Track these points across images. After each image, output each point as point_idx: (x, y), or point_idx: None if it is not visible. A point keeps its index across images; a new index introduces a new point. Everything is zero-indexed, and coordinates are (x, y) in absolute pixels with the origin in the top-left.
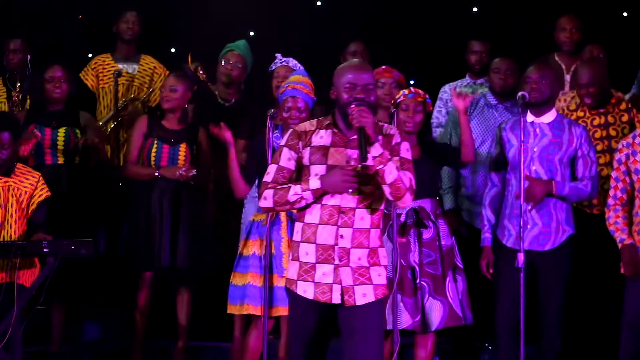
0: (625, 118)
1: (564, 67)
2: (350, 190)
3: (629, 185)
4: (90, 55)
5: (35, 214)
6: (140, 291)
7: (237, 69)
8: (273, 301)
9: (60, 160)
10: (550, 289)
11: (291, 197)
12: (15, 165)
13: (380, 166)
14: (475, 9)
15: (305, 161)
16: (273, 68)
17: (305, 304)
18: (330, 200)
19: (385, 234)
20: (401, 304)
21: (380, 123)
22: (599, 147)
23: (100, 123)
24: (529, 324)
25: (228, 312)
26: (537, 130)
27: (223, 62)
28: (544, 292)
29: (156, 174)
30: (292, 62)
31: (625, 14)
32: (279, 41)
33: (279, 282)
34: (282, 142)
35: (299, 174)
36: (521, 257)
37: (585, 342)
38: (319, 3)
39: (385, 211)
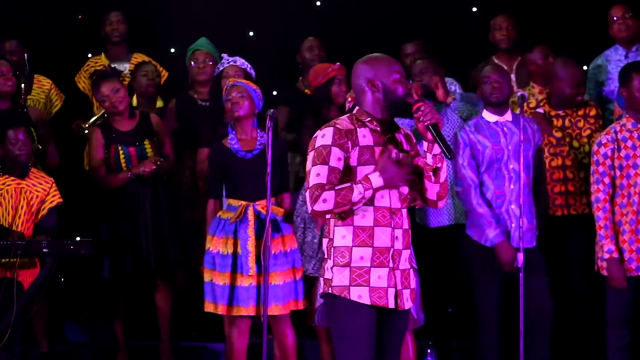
0: (581, 124)
1: (505, 67)
2: (405, 182)
3: (613, 180)
4: (90, 55)
5: (44, 220)
6: (121, 295)
7: (208, 66)
8: (234, 300)
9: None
10: (538, 283)
11: (355, 197)
12: (29, 169)
13: (440, 164)
14: (475, 9)
15: (353, 162)
16: (221, 69)
17: (362, 310)
18: (382, 202)
19: None
20: None
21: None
22: (552, 150)
23: (88, 124)
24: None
25: (205, 310)
26: (505, 129)
27: (192, 64)
28: (532, 287)
29: (129, 175)
30: (240, 61)
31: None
32: (278, 41)
33: (242, 282)
34: (328, 141)
35: (347, 176)
36: (520, 256)
37: (571, 342)
38: (319, 3)
39: None
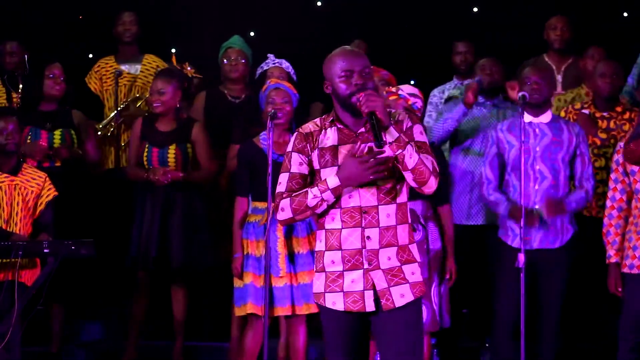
0: (626, 127)
1: (554, 67)
2: (372, 177)
3: (628, 186)
4: (90, 56)
5: (43, 215)
6: (135, 292)
7: (240, 64)
8: (271, 302)
9: (58, 163)
10: (554, 287)
11: (311, 201)
12: (22, 164)
13: (399, 151)
14: (475, 9)
15: (315, 165)
16: (265, 68)
17: (337, 317)
18: (350, 202)
19: None
20: None
21: (389, 109)
22: (595, 151)
23: (102, 125)
24: (529, 325)
25: (236, 314)
26: (537, 130)
27: (225, 61)
28: (547, 291)
29: (145, 176)
30: (285, 63)
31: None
32: (278, 41)
33: (276, 283)
34: (289, 147)
35: (312, 179)
36: (521, 257)
37: (583, 343)
38: (319, 3)
39: None
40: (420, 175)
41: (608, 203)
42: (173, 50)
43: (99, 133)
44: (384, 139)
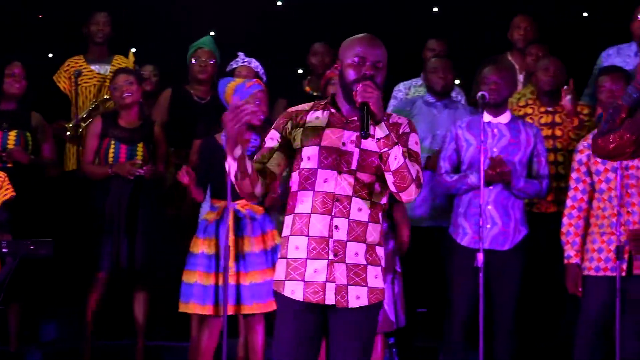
0: (575, 122)
1: (517, 66)
2: (236, 126)
3: (589, 186)
4: (50, 55)
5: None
6: (93, 292)
7: (210, 65)
8: (220, 300)
9: (10, 164)
10: (506, 288)
11: (227, 166)
12: None
13: (385, 149)
14: (435, 9)
15: (297, 144)
16: (234, 67)
17: (295, 307)
18: (324, 187)
19: None
20: None
21: (388, 112)
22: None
23: (71, 125)
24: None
25: (179, 310)
26: (495, 130)
27: (194, 61)
28: (499, 292)
29: (109, 171)
30: (254, 63)
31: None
32: (241, 41)
33: (221, 282)
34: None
35: (293, 159)
36: (480, 256)
37: (539, 342)
38: (279, 3)
39: None
40: (402, 180)
41: (568, 202)
42: (133, 50)
43: (68, 133)
44: (371, 132)
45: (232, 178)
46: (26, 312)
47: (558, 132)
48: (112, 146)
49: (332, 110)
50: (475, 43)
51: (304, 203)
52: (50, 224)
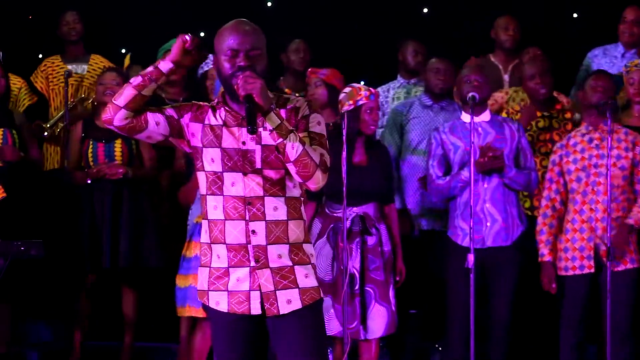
0: (569, 126)
1: (501, 67)
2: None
3: (563, 187)
4: (40, 56)
5: None
6: (81, 292)
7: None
8: None
9: (0, 163)
10: (505, 285)
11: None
12: None
13: (280, 140)
14: (425, 10)
15: (197, 142)
16: (205, 69)
17: (221, 319)
18: (231, 190)
19: (325, 237)
20: (332, 311)
21: (285, 96)
22: (542, 150)
23: (49, 125)
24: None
25: (177, 314)
26: (480, 129)
27: None
28: (498, 289)
29: (88, 181)
30: None
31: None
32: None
33: None
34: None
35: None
36: (471, 257)
37: (531, 339)
38: (269, 4)
39: (327, 211)
40: (304, 168)
41: (542, 202)
42: (123, 51)
43: (46, 133)
44: (262, 125)
45: (138, 79)
46: (15, 313)
47: (556, 137)
48: (90, 146)
49: (226, 109)
50: (455, 45)
51: (217, 209)
52: (39, 225)
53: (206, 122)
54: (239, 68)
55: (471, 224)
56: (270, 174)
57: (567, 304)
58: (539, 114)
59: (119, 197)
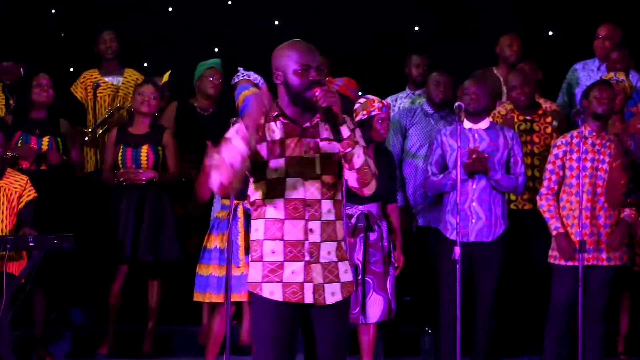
0: (549, 130)
1: (502, 79)
2: (261, 110)
3: (561, 179)
4: (72, 69)
5: (24, 212)
6: (114, 281)
7: (220, 84)
8: (231, 289)
9: (44, 166)
10: (488, 276)
11: (226, 154)
12: (5, 169)
13: (349, 149)
14: (416, 28)
15: (262, 157)
16: (236, 81)
17: (273, 307)
18: (294, 194)
19: None
20: None
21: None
22: (523, 150)
23: (89, 130)
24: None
25: (194, 300)
26: (476, 135)
27: (211, 78)
28: (482, 279)
29: (115, 180)
30: (253, 75)
31: (550, 33)
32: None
33: (234, 272)
34: (235, 131)
35: (257, 172)
36: (457, 250)
37: (515, 326)
38: (277, 22)
39: None
40: (364, 176)
41: (543, 191)
42: (145, 65)
43: (87, 138)
44: (342, 134)
45: (238, 164)
46: (52, 298)
47: (535, 139)
48: (121, 151)
49: (285, 121)
50: (458, 59)
51: (277, 210)
52: (75, 220)
53: (268, 138)
54: (313, 82)
55: (457, 219)
56: (327, 179)
57: (557, 294)
58: (521, 117)
59: (144, 197)
